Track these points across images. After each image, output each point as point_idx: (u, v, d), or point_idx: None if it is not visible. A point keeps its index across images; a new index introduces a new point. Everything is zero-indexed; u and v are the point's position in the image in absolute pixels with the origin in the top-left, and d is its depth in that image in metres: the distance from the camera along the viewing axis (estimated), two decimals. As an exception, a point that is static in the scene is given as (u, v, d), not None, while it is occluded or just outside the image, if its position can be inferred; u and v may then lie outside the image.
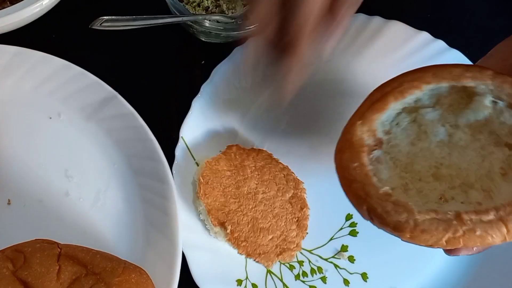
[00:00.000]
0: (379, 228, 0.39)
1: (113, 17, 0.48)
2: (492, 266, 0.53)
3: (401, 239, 0.38)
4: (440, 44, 0.57)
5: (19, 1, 0.48)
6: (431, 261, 0.54)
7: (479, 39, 0.61)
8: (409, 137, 0.42)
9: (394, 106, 0.41)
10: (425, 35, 0.57)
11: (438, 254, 0.54)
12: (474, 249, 0.40)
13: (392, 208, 0.37)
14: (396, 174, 0.41)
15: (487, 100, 0.40)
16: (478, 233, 0.36)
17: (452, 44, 0.57)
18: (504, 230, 0.36)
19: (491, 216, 0.36)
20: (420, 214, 0.37)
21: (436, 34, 0.58)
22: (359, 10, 0.57)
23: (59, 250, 0.43)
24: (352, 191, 0.39)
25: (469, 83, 0.40)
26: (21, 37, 0.52)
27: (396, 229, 0.37)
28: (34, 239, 0.44)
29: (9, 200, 0.49)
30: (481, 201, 0.38)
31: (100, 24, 0.47)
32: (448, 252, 0.41)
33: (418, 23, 0.58)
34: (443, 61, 0.55)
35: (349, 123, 0.42)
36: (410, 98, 0.41)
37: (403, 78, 0.42)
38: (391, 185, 0.39)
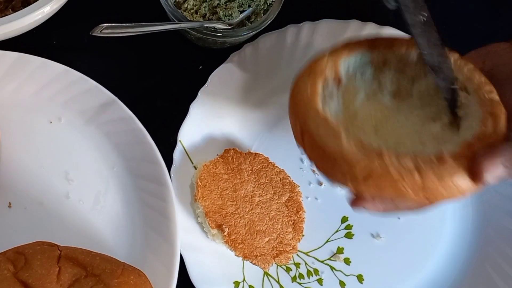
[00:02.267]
0: (308, 158, 0.40)
1: (112, 24, 0.48)
2: (488, 267, 0.54)
3: (319, 168, 0.39)
4: (433, 49, 0.58)
5: (21, 8, 0.49)
6: (427, 262, 0.54)
7: (473, 44, 0.62)
8: (365, 89, 0.43)
9: (364, 53, 0.43)
10: (418, 41, 0.58)
11: (433, 255, 0.55)
12: (379, 205, 0.41)
13: (325, 132, 0.38)
14: (342, 115, 0.42)
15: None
16: (392, 170, 0.36)
17: (445, 49, 0.58)
18: (418, 177, 0.36)
19: (408, 162, 0.36)
20: (348, 141, 0.37)
21: (429, 40, 0.58)
22: (353, 17, 0.58)
23: (59, 252, 0.44)
24: (295, 110, 0.40)
25: None
26: (22, 43, 0.52)
27: (320, 150, 0.38)
28: (34, 241, 0.45)
29: (10, 203, 0.50)
30: None
31: (100, 31, 0.48)
32: (353, 203, 0.42)
33: (411, 29, 0.58)
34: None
35: (318, 54, 0.43)
36: (379, 52, 0.43)
37: (381, 38, 0.44)
38: (334, 119, 0.40)
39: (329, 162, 0.38)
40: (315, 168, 0.41)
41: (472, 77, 0.41)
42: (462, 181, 0.36)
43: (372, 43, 0.43)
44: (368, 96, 0.43)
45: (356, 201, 0.41)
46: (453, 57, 0.42)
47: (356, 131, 0.41)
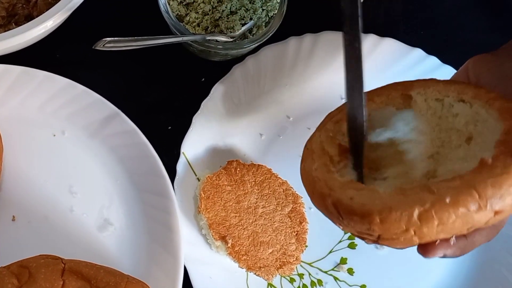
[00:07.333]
0: (351, 230, 0.36)
1: (115, 38, 0.49)
2: (491, 279, 0.54)
3: (374, 239, 0.35)
4: (433, 60, 0.58)
5: (24, 23, 0.49)
6: (430, 273, 0.54)
7: (472, 55, 0.62)
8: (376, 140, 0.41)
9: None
10: (418, 52, 0.58)
11: (436, 266, 0.55)
12: (452, 242, 0.36)
13: (356, 193, 0.35)
14: (371, 173, 0.39)
15: (421, 99, 0.41)
16: (448, 200, 0.32)
17: (445, 60, 0.59)
18: (476, 194, 0.32)
19: (457, 182, 0.32)
20: (385, 192, 0.34)
21: (430, 51, 0.59)
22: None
23: (63, 265, 0.44)
24: (317, 192, 0.38)
25: (412, 91, 0.41)
26: (26, 56, 0.53)
27: (364, 215, 0.33)
28: (38, 254, 0.45)
29: (14, 217, 0.50)
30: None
31: (103, 45, 0.48)
32: (422, 251, 0.36)
33: (412, 40, 0.59)
34: (436, 77, 0.57)
35: (310, 136, 0.43)
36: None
37: None
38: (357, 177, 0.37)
39: (376, 218, 0.33)
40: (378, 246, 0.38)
41: (464, 89, 0.40)
42: None
43: None
44: (389, 142, 0.40)
45: (425, 248, 0.36)
46: (431, 82, 0.42)
47: (392, 180, 0.37)
